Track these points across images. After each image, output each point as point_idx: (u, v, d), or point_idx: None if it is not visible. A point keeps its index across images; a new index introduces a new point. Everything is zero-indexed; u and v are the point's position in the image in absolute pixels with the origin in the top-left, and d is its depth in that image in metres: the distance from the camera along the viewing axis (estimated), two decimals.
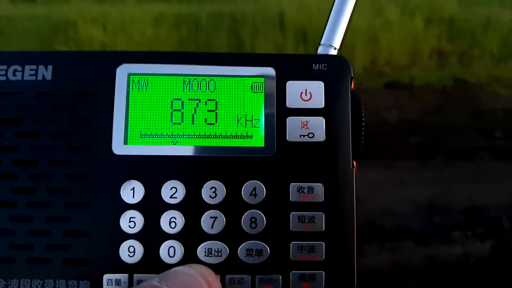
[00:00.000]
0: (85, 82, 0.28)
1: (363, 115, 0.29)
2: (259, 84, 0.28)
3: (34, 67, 0.28)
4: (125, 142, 0.27)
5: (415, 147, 2.56)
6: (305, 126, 0.28)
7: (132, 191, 0.27)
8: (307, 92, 0.28)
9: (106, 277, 0.27)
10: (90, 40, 3.77)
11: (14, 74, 0.28)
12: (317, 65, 0.28)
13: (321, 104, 0.28)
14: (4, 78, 0.28)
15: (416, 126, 2.80)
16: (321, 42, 0.29)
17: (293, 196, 0.28)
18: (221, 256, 0.28)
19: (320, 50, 0.30)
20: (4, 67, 0.28)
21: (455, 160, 2.58)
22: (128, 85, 0.28)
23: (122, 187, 0.27)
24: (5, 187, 0.27)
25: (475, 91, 3.37)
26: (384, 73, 3.57)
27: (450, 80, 3.44)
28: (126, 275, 0.27)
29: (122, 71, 0.27)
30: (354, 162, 0.29)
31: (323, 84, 0.28)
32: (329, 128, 0.28)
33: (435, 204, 2.14)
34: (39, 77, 0.28)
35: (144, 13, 3.99)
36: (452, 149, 2.70)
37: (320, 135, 0.28)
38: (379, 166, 2.28)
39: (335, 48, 0.30)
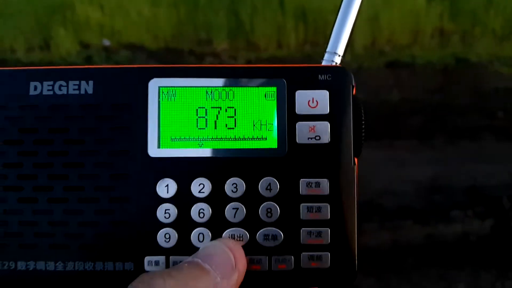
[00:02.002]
0: (122, 95, 0.34)
1: (363, 118, 0.35)
2: (272, 93, 0.34)
3: (77, 82, 0.34)
4: (159, 146, 0.33)
5: (416, 127, 2.55)
6: (312, 130, 0.34)
7: (166, 187, 0.33)
8: (314, 100, 0.34)
9: (147, 259, 0.33)
10: (87, 20, 3.73)
11: (60, 89, 0.33)
12: (323, 76, 0.34)
13: (326, 111, 0.34)
14: (51, 92, 0.33)
15: (417, 106, 2.78)
16: (327, 50, 0.36)
17: (303, 190, 0.33)
18: (242, 240, 0.33)
19: (326, 57, 0.37)
20: (51, 82, 0.33)
21: (457, 140, 2.57)
22: (159, 96, 0.34)
23: (158, 184, 0.33)
24: (58, 186, 0.33)
25: (477, 70, 3.33)
26: (385, 52, 3.53)
27: (452, 60, 3.40)
28: (163, 257, 0.33)
29: (154, 85, 0.33)
30: (356, 158, 0.34)
31: (328, 93, 0.34)
32: (333, 131, 0.33)
33: (436, 183, 2.13)
34: (82, 91, 0.34)
35: None
36: (453, 129, 2.69)
37: (325, 138, 0.33)
38: (380, 146, 2.27)
39: (339, 55, 0.36)
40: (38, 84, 0.34)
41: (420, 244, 1.90)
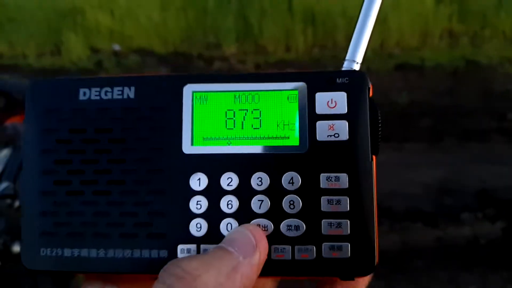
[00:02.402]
0: (160, 99, 0.38)
1: (379, 118, 0.37)
2: (294, 95, 0.37)
3: (121, 88, 0.38)
4: (192, 144, 0.37)
5: (425, 129, 2.54)
6: (331, 128, 0.36)
7: (198, 181, 0.36)
8: (332, 101, 0.36)
9: (179, 247, 0.36)
10: (98, 26, 3.77)
11: (105, 94, 0.38)
12: (341, 79, 0.36)
13: (344, 110, 0.36)
14: (98, 97, 0.38)
15: (426, 108, 2.76)
16: (346, 58, 0.38)
17: (323, 183, 0.35)
18: (267, 230, 0.35)
19: (345, 65, 0.39)
20: (98, 89, 0.38)
21: (466, 142, 2.54)
22: (192, 100, 0.38)
23: (191, 178, 0.36)
24: (102, 180, 0.37)
25: (487, 72, 3.30)
26: (394, 55, 3.51)
27: (462, 62, 3.37)
28: (194, 245, 0.36)
29: (188, 90, 0.38)
30: (374, 156, 0.36)
31: (345, 94, 0.36)
32: (351, 129, 0.36)
33: (445, 186, 2.12)
34: (125, 96, 0.38)
35: None
36: (463, 131, 2.66)
37: (344, 135, 0.36)
38: (389, 148, 2.26)
39: (357, 63, 0.38)
40: (87, 90, 0.38)
41: (429, 247, 1.89)
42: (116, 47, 3.53)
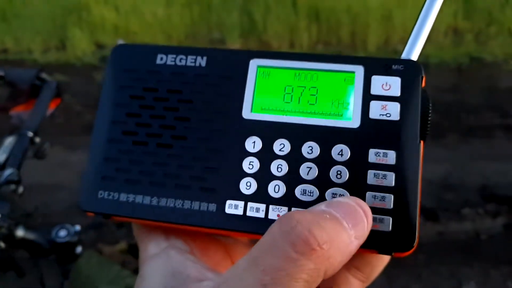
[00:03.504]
0: (228, 69, 0.41)
1: (430, 105, 0.38)
2: (351, 78, 0.39)
3: (194, 57, 0.42)
4: (251, 111, 0.39)
5: (428, 125, 2.53)
6: (384, 108, 0.37)
7: (253, 144, 0.38)
8: (387, 84, 0.38)
9: (228, 202, 0.37)
10: (103, 21, 3.79)
11: (180, 61, 0.41)
12: (396, 66, 0.38)
13: (398, 93, 0.37)
14: (173, 63, 0.41)
15: (427, 91, 2.75)
16: (402, 57, 0.39)
17: (371, 158, 0.36)
18: (312, 196, 0.36)
19: None
20: (174, 56, 0.42)
21: (469, 138, 2.54)
22: (256, 73, 0.41)
23: (247, 140, 0.38)
24: (167, 134, 0.40)
25: (491, 69, 3.29)
26: (398, 51, 3.48)
27: (466, 59, 3.36)
28: (242, 202, 0.37)
29: (253, 64, 0.41)
30: (422, 141, 0.37)
31: (399, 79, 0.38)
32: (403, 111, 0.37)
33: (447, 181, 2.12)
34: (197, 64, 0.41)
35: None
36: (466, 128, 2.66)
37: (395, 115, 0.37)
38: None
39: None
40: (164, 56, 0.42)
41: (431, 242, 1.89)
42: (121, 42, 3.54)
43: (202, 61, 0.42)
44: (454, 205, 2.02)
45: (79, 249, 0.86)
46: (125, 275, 0.85)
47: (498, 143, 2.48)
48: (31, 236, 0.85)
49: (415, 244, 0.34)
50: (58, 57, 3.37)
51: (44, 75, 0.95)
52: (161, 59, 0.42)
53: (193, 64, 0.42)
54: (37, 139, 0.88)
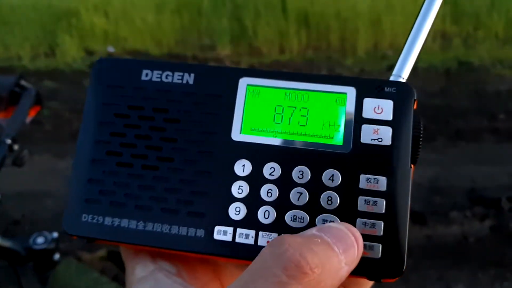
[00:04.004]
0: (216, 87, 0.40)
1: (421, 130, 0.38)
2: (342, 99, 0.38)
3: (181, 74, 0.40)
4: (241, 132, 0.39)
5: None
6: (376, 132, 0.37)
7: (242, 167, 0.38)
8: (379, 107, 0.37)
9: (217, 228, 0.37)
10: (93, 27, 3.78)
11: (166, 78, 0.40)
12: (389, 88, 0.38)
13: (390, 117, 0.37)
14: (159, 79, 0.40)
15: (418, 108, 2.76)
16: (393, 73, 0.39)
17: (362, 184, 0.36)
18: (303, 222, 0.36)
19: (391, 79, 0.40)
20: (160, 72, 0.40)
21: (457, 142, 2.55)
22: (246, 93, 0.40)
23: (236, 163, 0.38)
24: (152, 155, 0.39)
25: (479, 73, 3.31)
26: (387, 56, 3.52)
27: (454, 63, 3.38)
28: (231, 228, 0.36)
29: (243, 82, 0.40)
30: (412, 165, 0.37)
31: (392, 102, 0.38)
32: (394, 136, 0.37)
33: (435, 185, 2.13)
34: (184, 81, 0.40)
35: None
36: (454, 131, 2.67)
37: (387, 140, 0.36)
38: None
39: (403, 78, 0.39)
40: (149, 71, 0.40)
41: (419, 245, 1.90)
42: (111, 49, 3.54)
43: (189, 78, 0.40)
44: (442, 208, 2.03)
45: (57, 256, 0.85)
46: (103, 282, 0.85)
47: (486, 147, 2.50)
48: (7, 243, 0.84)
49: (404, 270, 0.34)
50: (47, 63, 3.36)
51: (23, 82, 0.95)
52: (146, 75, 0.41)
53: (180, 81, 0.40)
54: (16, 146, 0.88)
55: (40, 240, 0.83)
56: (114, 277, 1.06)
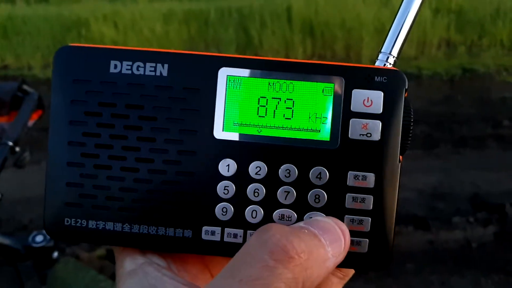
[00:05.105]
0: (194, 80, 0.37)
1: (412, 119, 0.36)
2: (329, 89, 0.36)
3: (154, 64, 0.37)
4: (223, 129, 0.37)
5: (421, 137, 2.55)
6: (364, 127, 0.35)
7: (227, 167, 0.36)
8: (369, 100, 0.36)
9: (204, 228, 0.36)
10: (102, 37, 3.84)
11: (137, 69, 0.37)
12: (379, 77, 0.36)
13: (380, 110, 0.36)
14: (129, 72, 0.37)
15: (422, 116, 2.77)
16: (382, 50, 0.37)
17: (350, 181, 0.35)
18: (290, 221, 0.36)
19: (380, 57, 0.38)
20: (130, 63, 0.37)
21: (461, 148, 2.55)
22: (226, 84, 0.37)
23: (220, 163, 0.36)
24: (131, 157, 0.36)
25: (484, 80, 3.31)
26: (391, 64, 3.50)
27: (459, 70, 3.38)
28: (219, 228, 0.36)
29: (223, 73, 0.37)
30: (401, 156, 0.36)
31: (382, 94, 0.36)
32: (384, 130, 0.35)
33: (439, 191, 2.12)
34: (158, 73, 0.37)
35: (154, 10, 4.05)
36: (458, 138, 2.67)
37: (376, 135, 0.35)
38: None
39: (393, 56, 0.37)
40: (118, 63, 0.37)
41: (421, 251, 1.89)
42: None
43: (163, 70, 0.37)
44: (445, 214, 2.02)
45: (55, 254, 0.87)
46: (100, 280, 0.86)
47: (490, 153, 2.49)
48: (6, 241, 0.86)
49: (389, 263, 0.35)
50: None
51: (26, 87, 0.98)
52: (115, 66, 0.37)
53: (153, 73, 0.37)
54: (17, 149, 0.91)
55: (39, 238, 0.85)
56: (112, 275, 1.07)
